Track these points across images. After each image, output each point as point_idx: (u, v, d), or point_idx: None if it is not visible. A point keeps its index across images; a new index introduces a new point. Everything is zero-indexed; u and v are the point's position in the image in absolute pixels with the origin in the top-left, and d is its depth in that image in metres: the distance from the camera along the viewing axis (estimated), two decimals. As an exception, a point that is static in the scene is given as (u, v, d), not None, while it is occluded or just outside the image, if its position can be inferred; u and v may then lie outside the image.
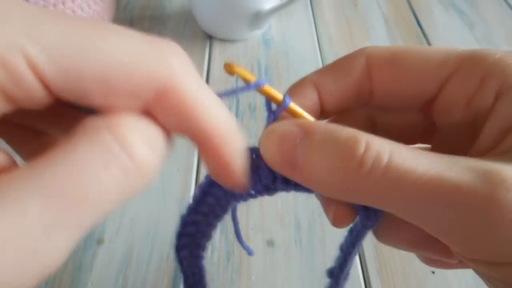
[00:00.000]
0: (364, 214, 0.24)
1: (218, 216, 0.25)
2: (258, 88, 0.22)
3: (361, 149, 0.19)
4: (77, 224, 0.14)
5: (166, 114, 0.17)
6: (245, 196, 0.24)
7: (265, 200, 0.47)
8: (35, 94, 0.15)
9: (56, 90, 0.16)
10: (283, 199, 0.47)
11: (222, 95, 0.22)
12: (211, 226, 0.25)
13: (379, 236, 0.26)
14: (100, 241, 0.43)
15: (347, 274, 0.29)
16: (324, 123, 0.21)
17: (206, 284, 0.28)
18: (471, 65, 0.22)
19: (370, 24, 0.73)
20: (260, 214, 0.46)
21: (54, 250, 0.14)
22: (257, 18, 0.63)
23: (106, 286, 0.40)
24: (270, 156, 0.21)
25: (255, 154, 0.23)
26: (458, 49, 0.23)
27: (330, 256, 0.42)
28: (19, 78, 0.15)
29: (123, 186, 0.15)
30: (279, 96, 0.22)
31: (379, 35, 0.71)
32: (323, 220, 0.46)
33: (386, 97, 0.25)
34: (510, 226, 0.17)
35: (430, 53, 0.23)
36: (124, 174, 0.15)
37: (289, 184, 0.23)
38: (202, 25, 0.66)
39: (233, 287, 0.40)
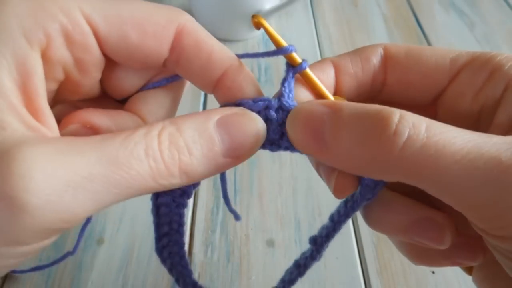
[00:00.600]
0: (367, 184, 0.24)
1: (182, 208, 0.25)
2: (285, 54, 0.23)
3: (395, 118, 0.19)
4: (114, 184, 0.18)
5: (186, 51, 0.23)
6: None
7: (265, 200, 0.47)
8: (89, 41, 0.21)
9: (104, 36, 0.21)
10: (283, 199, 0.47)
11: (248, 57, 0.25)
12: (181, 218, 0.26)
13: (371, 220, 0.26)
14: (100, 241, 0.43)
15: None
16: (350, 102, 0.22)
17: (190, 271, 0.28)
18: (481, 61, 0.24)
19: (370, 24, 0.73)
20: (260, 214, 0.46)
21: (90, 201, 0.17)
22: (257, 18, 0.63)
23: (106, 285, 0.40)
24: (296, 135, 0.22)
25: (266, 106, 0.23)
26: (468, 50, 0.25)
27: (330, 256, 0.42)
28: (78, 25, 0.20)
29: (154, 175, 0.19)
30: (299, 60, 0.24)
31: (379, 35, 0.71)
32: (323, 220, 0.46)
33: (397, 88, 0.26)
34: None
35: (442, 51, 0.25)
36: (156, 166, 0.19)
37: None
38: (202, 25, 0.66)
39: (233, 287, 0.40)
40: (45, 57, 0.20)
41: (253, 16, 0.24)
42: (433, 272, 0.42)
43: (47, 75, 0.20)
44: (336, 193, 0.24)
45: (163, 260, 0.26)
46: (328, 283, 0.41)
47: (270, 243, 0.43)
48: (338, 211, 0.26)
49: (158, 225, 0.25)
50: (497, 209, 0.18)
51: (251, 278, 0.41)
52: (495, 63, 0.23)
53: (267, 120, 0.23)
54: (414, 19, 0.75)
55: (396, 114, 0.19)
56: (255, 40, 0.67)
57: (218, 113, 0.21)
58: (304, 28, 0.71)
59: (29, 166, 0.16)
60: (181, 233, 0.26)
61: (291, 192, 0.48)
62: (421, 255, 0.27)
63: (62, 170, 0.17)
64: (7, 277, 0.39)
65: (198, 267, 0.41)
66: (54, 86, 0.22)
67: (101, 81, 0.25)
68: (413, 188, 0.20)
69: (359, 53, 0.26)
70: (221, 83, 0.24)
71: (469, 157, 0.18)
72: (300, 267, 0.28)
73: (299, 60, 0.24)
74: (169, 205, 0.25)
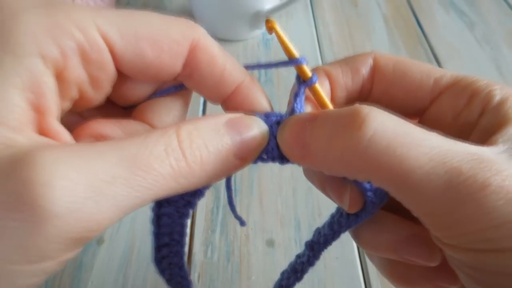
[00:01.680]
0: (371, 200, 0.24)
1: (184, 218, 0.25)
2: (297, 65, 0.24)
3: (363, 113, 0.19)
4: (136, 188, 0.17)
5: (199, 68, 0.23)
6: (203, 189, 0.25)
7: (265, 200, 0.47)
8: (105, 58, 0.21)
9: (120, 53, 0.21)
10: (283, 199, 0.47)
11: (259, 68, 0.26)
12: (182, 228, 0.25)
13: (361, 241, 0.26)
14: (100, 241, 0.43)
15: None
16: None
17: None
18: (462, 85, 0.24)
19: (370, 24, 0.73)
20: (260, 214, 0.46)
21: (112, 207, 0.17)
22: (257, 18, 0.63)
23: (106, 286, 0.40)
24: (283, 144, 0.23)
25: (278, 121, 0.24)
26: (452, 71, 0.25)
27: (330, 256, 0.42)
28: (95, 43, 0.20)
29: (175, 174, 0.19)
30: (309, 74, 0.24)
31: (379, 35, 0.71)
32: (323, 220, 0.46)
33: (381, 100, 0.26)
34: (500, 212, 0.17)
35: (428, 69, 0.25)
36: (178, 164, 0.19)
37: None
38: (202, 25, 0.66)
39: (233, 287, 0.40)
40: (62, 78, 0.20)
41: (267, 21, 0.24)
42: (433, 272, 0.42)
43: (63, 95, 0.20)
44: (351, 208, 0.24)
45: (161, 271, 0.26)
46: (328, 283, 0.41)
47: (270, 243, 0.43)
48: (339, 221, 0.27)
49: (158, 235, 0.25)
50: (452, 219, 0.18)
51: (251, 278, 0.41)
52: (474, 88, 0.23)
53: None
54: (414, 19, 0.75)
55: (365, 109, 0.19)
56: (255, 40, 0.67)
57: (225, 115, 0.22)
58: (304, 28, 0.71)
59: (49, 172, 0.15)
60: (182, 244, 0.26)
61: (291, 192, 0.48)
62: (402, 277, 0.27)
63: (84, 175, 0.16)
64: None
65: (198, 267, 0.41)
66: (68, 105, 0.22)
67: None
68: (399, 205, 0.21)
69: (349, 62, 0.26)
70: (233, 98, 0.25)
71: (432, 164, 0.18)
72: (297, 273, 0.28)
73: (309, 73, 0.24)
74: (171, 216, 0.24)
